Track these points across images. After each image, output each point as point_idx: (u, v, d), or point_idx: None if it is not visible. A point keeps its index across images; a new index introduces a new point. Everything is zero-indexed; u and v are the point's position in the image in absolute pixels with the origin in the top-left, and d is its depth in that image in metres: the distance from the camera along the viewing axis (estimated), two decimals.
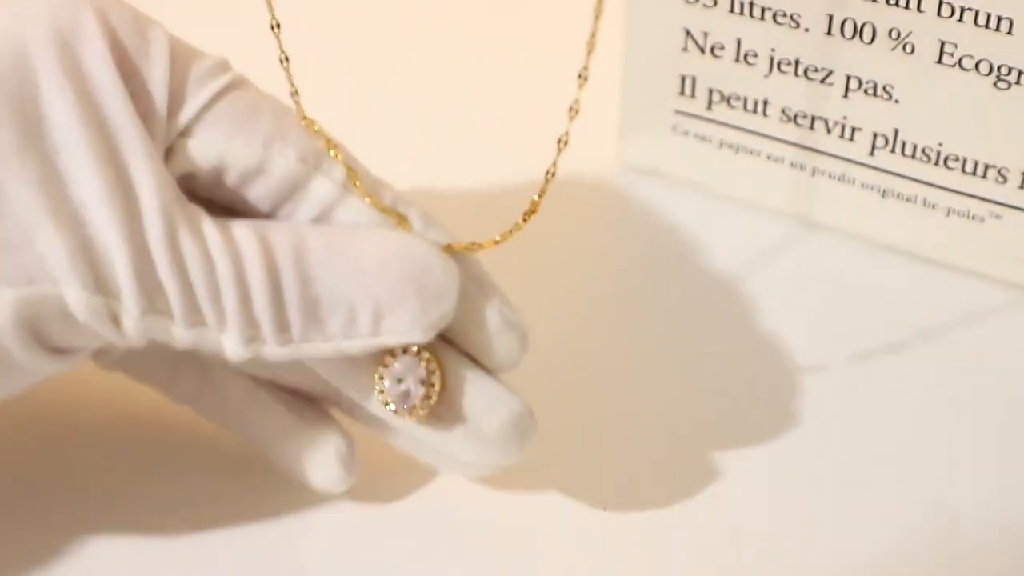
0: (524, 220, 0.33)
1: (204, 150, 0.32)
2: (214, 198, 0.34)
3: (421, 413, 0.34)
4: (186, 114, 0.32)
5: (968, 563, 0.36)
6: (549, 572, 0.36)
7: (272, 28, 0.33)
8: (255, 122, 0.33)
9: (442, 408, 0.34)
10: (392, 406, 0.34)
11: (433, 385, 0.34)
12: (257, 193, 0.33)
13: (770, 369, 0.42)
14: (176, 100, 0.32)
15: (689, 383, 0.42)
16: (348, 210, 0.33)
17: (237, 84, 0.33)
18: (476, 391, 0.34)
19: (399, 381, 0.33)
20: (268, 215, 0.34)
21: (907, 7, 0.42)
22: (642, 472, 0.39)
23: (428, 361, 0.34)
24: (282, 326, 0.32)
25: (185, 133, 0.32)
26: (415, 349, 0.33)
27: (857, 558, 0.36)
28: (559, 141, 0.32)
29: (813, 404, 0.41)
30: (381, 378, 0.34)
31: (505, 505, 0.38)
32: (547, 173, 0.33)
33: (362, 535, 0.37)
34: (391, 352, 0.34)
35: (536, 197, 0.33)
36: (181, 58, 0.33)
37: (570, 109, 0.32)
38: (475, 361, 0.35)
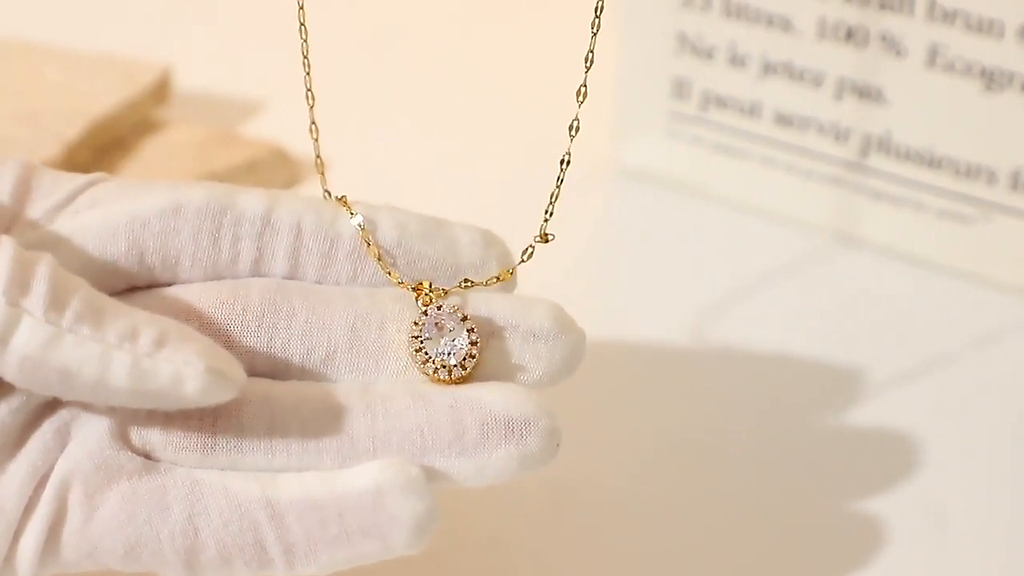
0: (548, 212, 0.32)
1: None
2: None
3: (474, 357, 0.31)
4: None
5: (962, 567, 0.36)
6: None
7: (306, 97, 0.33)
8: None
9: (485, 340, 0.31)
10: (450, 361, 0.31)
11: (471, 330, 0.31)
12: None
13: (765, 370, 0.42)
14: None
15: (684, 384, 0.42)
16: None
17: None
18: (506, 304, 0.32)
19: (439, 342, 0.30)
20: None
21: (898, 10, 0.42)
22: (637, 476, 0.39)
23: (454, 308, 0.31)
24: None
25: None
26: (427, 310, 0.31)
27: (854, 558, 0.37)
28: (570, 128, 0.32)
29: (810, 404, 0.41)
30: (419, 349, 0.31)
31: (501, 512, 0.38)
32: (561, 162, 0.32)
33: None
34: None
35: (556, 187, 0.32)
36: None
37: (570, 128, 0.32)
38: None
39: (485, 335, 0.31)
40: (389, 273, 0.31)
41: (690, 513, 0.38)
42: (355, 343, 0.31)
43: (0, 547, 0.28)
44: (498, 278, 0.32)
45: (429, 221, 0.32)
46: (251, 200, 0.31)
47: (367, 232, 0.32)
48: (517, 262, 0.33)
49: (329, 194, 0.33)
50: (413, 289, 0.31)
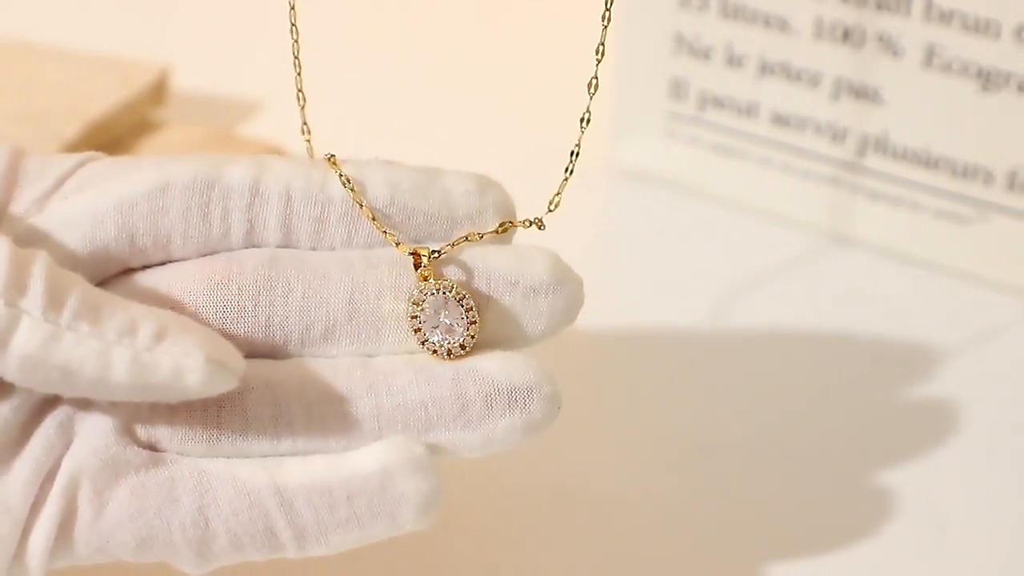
0: (558, 194, 0.32)
1: None
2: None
3: (472, 334, 0.30)
4: None
5: (962, 567, 0.36)
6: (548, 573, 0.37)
7: (297, 97, 0.33)
8: None
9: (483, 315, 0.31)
10: (449, 339, 0.30)
11: (469, 309, 0.30)
12: None
13: (762, 369, 0.43)
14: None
15: (681, 383, 0.42)
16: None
17: None
18: (503, 259, 0.31)
19: (438, 324, 0.30)
20: None
21: (895, 10, 0.42)
22: (635, 474, 0.39)
23: (452, 288, 0.30)
24: None
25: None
26: (430, 288, 0.30)
27: (853, 558, 0.37)
28: (581, 120, 0.32)
29: (807, 405, 0.41)
30: (417, 330, 0.30)
31: (500, 509, 0.38)
32: (571, 153, 0.32)
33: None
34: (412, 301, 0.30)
35: (566, 175, 0.32)
36: None
37: (582, 120, 0.32)
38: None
39: (483, 301, 0.31)
40: (385, 232, 0.31)
41: (686, 511, 0.38)
42: (354, 315, 0.30)
43: (8, 545, 0.28)
44: (497, 230, 0.32)
45: (421, 174, 0.32)
46: (238, 171, 0.31)
47: (357, 194, 0.31)
48: (514, 229, 0.32)
49: (310, 146, 0.32)
50: (411, 254, 0.31)
